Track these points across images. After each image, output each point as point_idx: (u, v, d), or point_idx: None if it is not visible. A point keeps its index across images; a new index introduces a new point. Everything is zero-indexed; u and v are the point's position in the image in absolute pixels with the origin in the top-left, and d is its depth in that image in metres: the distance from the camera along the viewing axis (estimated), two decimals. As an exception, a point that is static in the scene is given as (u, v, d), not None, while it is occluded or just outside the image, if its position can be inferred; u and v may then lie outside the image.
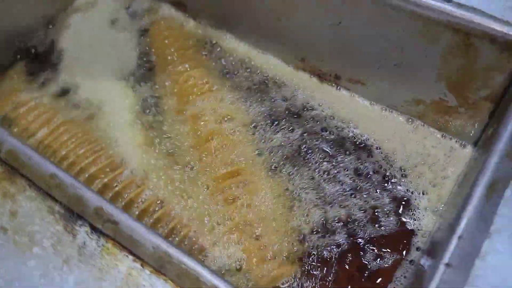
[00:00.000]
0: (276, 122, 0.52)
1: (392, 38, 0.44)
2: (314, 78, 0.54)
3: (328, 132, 0.50)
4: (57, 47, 0.60)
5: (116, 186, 0.47)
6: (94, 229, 0.33)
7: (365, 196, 0.46)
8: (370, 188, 0.47)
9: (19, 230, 0.33)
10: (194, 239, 0.44)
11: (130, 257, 0.32)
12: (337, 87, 0.53)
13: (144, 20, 0.62)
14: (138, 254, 0.32)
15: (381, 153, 0.49)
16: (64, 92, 0.56)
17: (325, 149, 0.49)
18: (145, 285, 0.31)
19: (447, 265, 0.30)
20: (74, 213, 0.34)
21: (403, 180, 0.46)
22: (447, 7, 0.40)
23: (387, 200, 0.46)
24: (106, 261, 0.32)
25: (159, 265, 0.31)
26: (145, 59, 0.59)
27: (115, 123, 0.54)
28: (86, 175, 0.47)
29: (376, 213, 0.45)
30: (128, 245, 0.32)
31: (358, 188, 0.46)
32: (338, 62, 0.51)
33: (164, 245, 0.31)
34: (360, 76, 0.50)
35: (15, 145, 0.36)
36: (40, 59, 0.59)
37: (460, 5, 0.40)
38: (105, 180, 0.47)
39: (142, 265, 0.32)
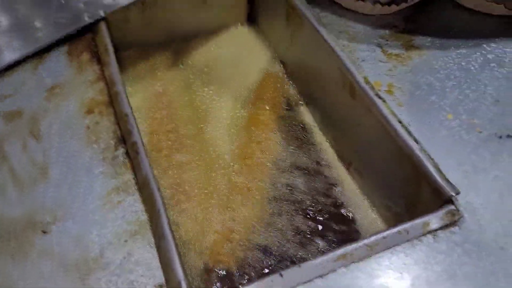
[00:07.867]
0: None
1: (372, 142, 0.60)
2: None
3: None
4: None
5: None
6: (128, 154, 0.56)
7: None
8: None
9: (96, 130, 0.57)
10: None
11: (134, 180, 0.54)
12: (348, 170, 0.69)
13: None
14: (137, 179, 0.54)
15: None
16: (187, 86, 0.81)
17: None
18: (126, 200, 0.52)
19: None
20: (124, 139, 0.57)
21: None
22: (410, 142, 0.54)
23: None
24: (119, 169, 0.54)
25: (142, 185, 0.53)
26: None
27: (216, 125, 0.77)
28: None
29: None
30: (134, 167, 0.54)
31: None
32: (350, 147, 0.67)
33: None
34: (360, 168, 0.65)
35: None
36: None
37: (422, 150, 0.54)
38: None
39: (136, 184, 0.53)
